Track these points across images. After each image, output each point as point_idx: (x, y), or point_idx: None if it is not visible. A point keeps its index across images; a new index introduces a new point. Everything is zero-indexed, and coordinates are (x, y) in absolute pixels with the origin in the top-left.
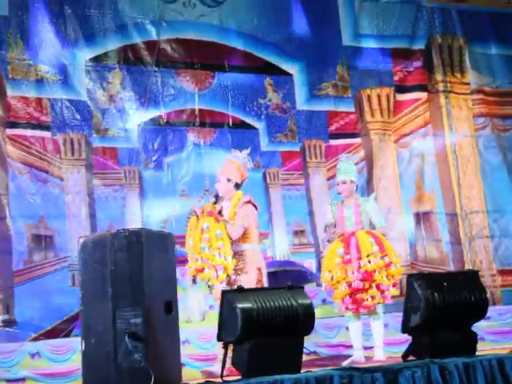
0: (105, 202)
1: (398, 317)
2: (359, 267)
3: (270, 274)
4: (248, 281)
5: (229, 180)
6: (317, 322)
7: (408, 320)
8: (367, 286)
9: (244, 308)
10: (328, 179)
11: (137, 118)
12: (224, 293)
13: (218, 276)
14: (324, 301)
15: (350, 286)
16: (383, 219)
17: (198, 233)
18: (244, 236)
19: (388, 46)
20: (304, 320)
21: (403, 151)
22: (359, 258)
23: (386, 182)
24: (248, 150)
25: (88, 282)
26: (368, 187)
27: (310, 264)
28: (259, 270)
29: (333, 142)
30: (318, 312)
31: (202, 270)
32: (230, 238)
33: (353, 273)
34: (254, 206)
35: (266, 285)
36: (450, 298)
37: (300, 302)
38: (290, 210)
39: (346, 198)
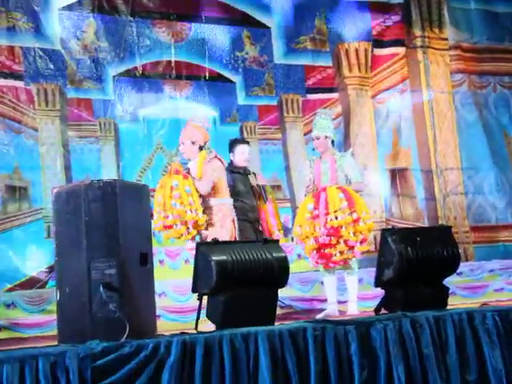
0: (80, 153)
1: (373, 272)
2: (326, 222)
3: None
4: (221, 235)
5: (193, 143)
6: (291, 276)
7: (381, 274)
8: (334, 241)
9: (219, 260)
10: (305, 134)
11: (112, 69)
12: (198, 245)
13: (188, 232)
14: (299, 256)
15: (317, 241)
16: (359, 174)
17: (168, 191)
18: (214, 191)
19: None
20: (279, 273)
21: (380, 107)
22: (327, 214)
23: (363, 138)
24: (211, 114)
25: (62, 233)
26: (345, 143)
27: (286, 219)
28: (233, 222)
29: (310, 97)
30: (293, 266)
31: (170, 227)
32: (200, 194)
33: (320, 228)
34: (220, 160)
35: (238, 238)
36: (422, 253)
37: (275, 255)
38: (267, 165)
39: (322, 153)
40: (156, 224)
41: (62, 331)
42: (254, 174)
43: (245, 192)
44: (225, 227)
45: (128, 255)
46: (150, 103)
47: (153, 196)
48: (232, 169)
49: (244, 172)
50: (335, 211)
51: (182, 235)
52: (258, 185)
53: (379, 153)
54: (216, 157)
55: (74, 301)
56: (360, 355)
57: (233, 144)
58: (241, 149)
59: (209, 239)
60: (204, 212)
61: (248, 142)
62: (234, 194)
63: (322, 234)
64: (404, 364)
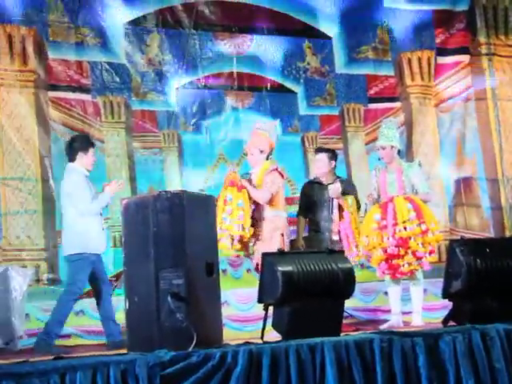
0: (144, 164)
1: (438, 283)
2: (394, 233)
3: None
4: (268, 248)
5: (261, 151)
6: (356, 286)
7: (449, 286)
8: (402, 252)
9: (285, 271)
10: (366, 144)
11: (175, 81)
12: (265, 255)
13: (232, 245)
14: (362, 265)
15: (385, 251)
16: (426, 185)
17: (221, 203)
18: (270, 202)
19: (430, 8)
20: (344, 284)
21: (444, 116)
22: (395, 225)
23: (426, 147)
24: (276, 122)
25: (131, 243)
26: (407, 152)
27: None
28: (282, 236)
29: (372, 106)
30: (357, 277)
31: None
32: (255, 203)
33: (388, 239)
34: (280, 173)
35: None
36: (492, 265)
37: (340, 266)
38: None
39: (388, 163)
40: None
41: (130, 339)
42: (342, 182)
43: (319, 203)
44: (273, 240)
45: (194, 265)
46: (213, 114)
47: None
48: (311, 179)
49: (321, 182)
50: (404, 222)
51: (225, 248)
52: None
53: (443, 162)
54: (277, 169)
55: (143, 310)
56: (428, 368)
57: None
58: (318, 157)
59: (256, 254)
60: (255, 224)
61: (327, 150)
62: (309, 204)
63: (390, 245)
64: (474, 378)
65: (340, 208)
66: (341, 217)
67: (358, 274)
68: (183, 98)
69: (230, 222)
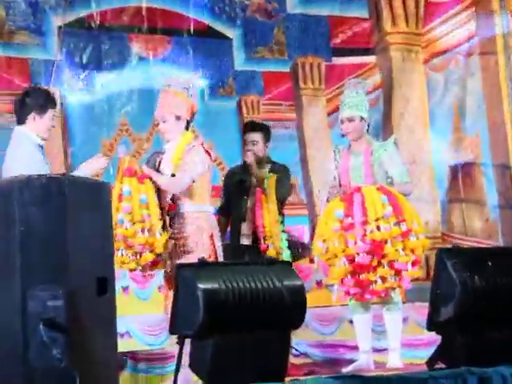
0: (9, 137)
1: (422, 308)
2: (364, 235)
3: (240, 247)
4: (193, 257)
5: (178, 118)
6: (309, 312)
7: (436, 312)
8: (375, 262)
9: (208, 289)
10: (329, 114)
11: (57, 17)
12: (180, 268)
13: (138, 258)
14: (319, 283)
15: (351, 261)
16: (406, 172)
17: (115, 200)
18: (190, 192)
19: None
20: (292, 308)
21: (436, 76)
22: (365, 223)
23: (411, 119)
24: (198, 76)
25: None
26: (385, 127)
27: (301, 231)
28: (211, 238)
29: (337, 61)
30: (310, 298)
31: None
32: (167, 196)
33: (355, 243)
34: (207, 151)
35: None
36: (495, 283)
37: (286, 282)
38: (275, 156)
39: (354, 141)
40: None
41: None
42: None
43: (240, 196)
44: (200, 245)
45: (80, 280)
46: (112, 67)
47: None
48: (236, 167)
49: (249, 170)
50: (377, 219)
51: (124, 263)
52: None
53: (433, 141)
54: (202, 145)
55: (2, 344)
56: None
57: (243, 132)
58: (251, 137)
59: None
60: (170, 225)
61: (263, 127)
62: (231, 199)
63: (358, 251)
64: None
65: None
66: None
67: (312, 295)
68: (69, 42)
69: (129, 226)
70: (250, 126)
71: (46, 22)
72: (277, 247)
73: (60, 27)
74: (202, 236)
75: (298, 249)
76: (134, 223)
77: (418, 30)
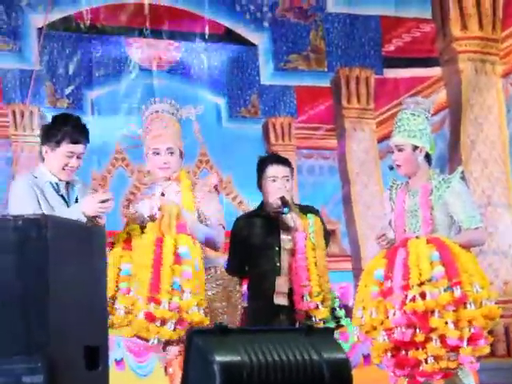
0: None
1: None
2: (403, 303)
3: (272, 308)
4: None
5: (181, 154)
6: None
7: None
8: (421, 337)
9: (227, 363)
10: (380, 141)
11: (37, 16)
12: (192, 336)
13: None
14: (367, 358)
15: (390, 335)
16: (477, 215)
17: (169, 258)
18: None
19: None
20: None
21: None
22: (406, 288)
23: (486, 148)
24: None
25: None
26: (451, 158)
27: (344, 290)
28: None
29: (390, 74)
30: (358, 377)
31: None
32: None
33: (394, 314)
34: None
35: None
36: None
37: (326, 356)
38: (311, 194)
39: (410, 176)
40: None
41: None
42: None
43: (265, 246)
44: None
45: (65, 350)
46: (105, 80)
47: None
48: (253, 211)
49: (269, 212)
50: (421, 283)
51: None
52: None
53: None
54: (216, 188)
55: None
56: None
57: (262, 164)
58: (273, 172)
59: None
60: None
61: (287, 162)
62: (248, 251)
63: (396, 324)
64: None
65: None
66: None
67: (359, 373)
68: (51, 48)
69: (190, 297)
70: (276, 159)
71: (23, 21)
72: (328, 307)
73: (40, 29)
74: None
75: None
76: (194, 294)
77: (495, 35)
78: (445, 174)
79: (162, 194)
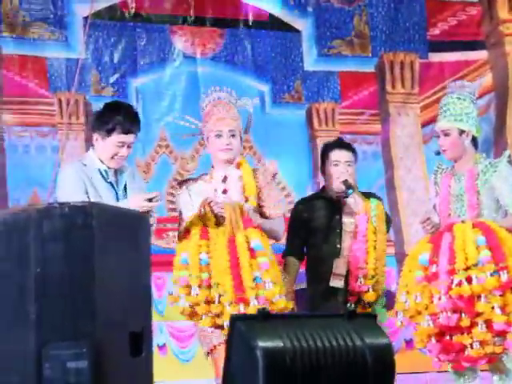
0: (22, 153)
1: None
2: (449, 288)
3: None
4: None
5: (241, 138)
6: (399, 379)
7: None
8: (466, 322)
9: (270, 348)
10: (424, 125)
11: (82, 5)
12: (235, 320)
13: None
14: (409, 343)
15: (435, 320)
16: None
17: (245, 255)
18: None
19: None
20: (376, 373)
21: None
22: (452, 272)
23: None
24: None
25: None
26: (497, 142)
27: (387, 275)
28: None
29: (435, 58)
30: (399, 362)
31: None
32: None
33: (439, 298)
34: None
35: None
36: None
37: (369, 341)
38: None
39: (455, 160)
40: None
41: None
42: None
43: (330, 232)
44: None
45: (110, 336)
46: (150, 67)
47: (157, 233)
48: (314, 194)
49: (331, 198)
50: (468, 268)
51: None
52: (344, 181)
53: None
54: (274, 176)
55: None
56: None
57: (325, 149)
58: (335, 156)
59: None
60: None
61: (350, 147)
62: (309, 235)
63: (442, 309)
64: None
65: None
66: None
67: (401, 358)
68: (96, 37)
69: (272, 286)
70: (340, 144)
71: (68, 11)
72: (378, 291)
73: (85, 18)
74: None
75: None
76: (274, 283)
77: None
78: (490, 157)
79: (225, 178)
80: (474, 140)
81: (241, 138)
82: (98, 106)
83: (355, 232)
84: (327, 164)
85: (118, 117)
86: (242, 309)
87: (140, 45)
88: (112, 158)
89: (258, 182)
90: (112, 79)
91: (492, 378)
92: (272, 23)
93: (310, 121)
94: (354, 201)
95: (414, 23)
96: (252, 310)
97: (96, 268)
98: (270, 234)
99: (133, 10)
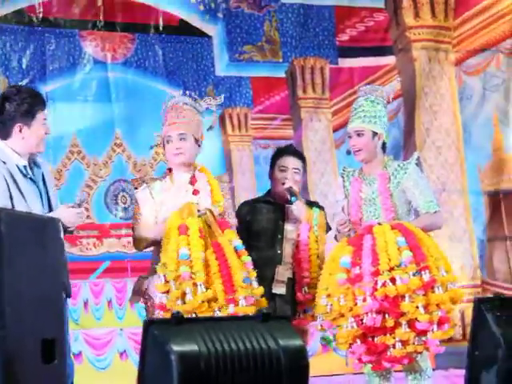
0: None
1: (458, 376)
2: (374, 289)
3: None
4: None
5: (196, 141)
6: (312, 382)
7: (475, 381)
8: (391, 322)
9: (184, 353)
10: (335, 130)
11: None
12: (149, 325)
13: None
14: (326, 346)
15: (360, 322)
16: (434, 200)
17: (233, 256)
18: None
19: None
20: (290, 375)
21: (471, 80)
22: (376, 274)
23: (440, 135)
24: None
25: None
26: (406, 145)
27: None
28: None
29: (344, 63)
30: (315, 364)
31: None
32: None
33: (364, 300)
34: None
35: None
36: None
37: (283, 343)
38: (268, 184)
39: (366, 162)
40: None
41: None
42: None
43: (270, 236)
44: None
45: (21, 344)
46: (59, 73)
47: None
48: (263, 197)
49: (276, 200)
50: (391, 269)
51: None
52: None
53: (470, 162)
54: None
55: None
56: None
57: (275, 154)
58: (283, 162)
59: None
60: None
61: (299, 154)
62: (250, 236)
63: (368, 310)
64: None
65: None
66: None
67: (317, 360)
68: (4, 42)
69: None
70: (289, 150)
71: None
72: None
73: None
74: None
75: None
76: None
77: (447, 23)
78: (399, 160)
79: (194, 180)
80: (384, 144)
81: (196, 140)
82: None
83: (297, 241)
84: (275, 169)
85: (29, 98)
86: (232, 310)
87: (49, 50)
88: (42, 140)
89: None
90: (21, 84)
91: (407, 377)
92: (183, 28)
93: (222, 126)
94: (296, 208)
95: (324, 29)
96: (241, 309)
97: (5, 274)
98: None
99: (41, 15)
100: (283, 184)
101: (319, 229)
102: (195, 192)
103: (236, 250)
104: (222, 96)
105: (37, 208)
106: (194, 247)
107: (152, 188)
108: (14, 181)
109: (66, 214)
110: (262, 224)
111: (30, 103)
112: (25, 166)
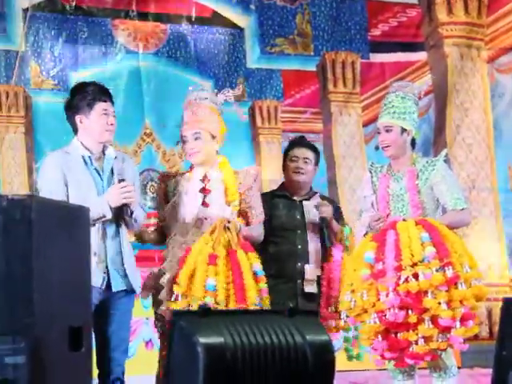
0: None
1: (485, 375)
2: (396, 284)
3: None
4: None
5: (214, 137)
6: (339, 376)
7: (503, 381)
8: (413, 318)
9: (210, 344)
10: (365, 125)
11: None
12: (175, 316)
13: None
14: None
15: (382, 318)
16: (462, 197)
17: (249, 274)
18: None
19: None
20: (315, 370)
21: (503, 78)
22: (398, 269)
23: (470, 133)
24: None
25: None
26: (436, 141)
27: None
28: None
29: (376, 58)
30: (340, 360)
31: None
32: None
33: (387, 295)
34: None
35: None
36: None
37: (310, 337)
38: None
39: (394, 159)
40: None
41: None
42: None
43: (288, 229)
44: None
45: (49, 331)
46: (91, 61)
47: None
48: (275, 191)
49: (292, 195)
50: (414, 264)
51: None
52: (321, 217)
53: (500, 160)
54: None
55: None
56: None
57: (288, 146)
58: (294, 152)
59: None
60: None
61: (310, 145)
62: (270, 229)
63: (390, 305)
64: None
65: (323, 239)
66: (328, 256)
67: (343, 356)
68: (37, 29)
69: None
70: (301, 141)
71: (8, 3)
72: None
73: (26, 10)
74: None
75: None
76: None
77: (480, 20)
78: (429, 157)
79: (204, 178)
80: (413, 141)
81: (213, 136)
82: (38, 99)
83: (330, 261)
84: (287, 160)
85: (90, 87)
86: None
87: (81, 38)
88: (103, 130)
89: (240, 184)
90: (52, 72)
91: (432, 375)
92: (215, 20)
93: (252, 119)
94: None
95: (356, 23)
96: None
97: (34, 262)
98: (252, 241)
99: (74, 3)
100: (294, 173)
101: (350, 249)
102: (203, 190)
103: (255, 274)
104: (241, 86)
105: (91, 196)
106: (221, 278)
107: (168, 182)
108: (73, 172)
109: (109, 194)
110: (281, 220)
111: (90, 95)
112: (89, 157)
